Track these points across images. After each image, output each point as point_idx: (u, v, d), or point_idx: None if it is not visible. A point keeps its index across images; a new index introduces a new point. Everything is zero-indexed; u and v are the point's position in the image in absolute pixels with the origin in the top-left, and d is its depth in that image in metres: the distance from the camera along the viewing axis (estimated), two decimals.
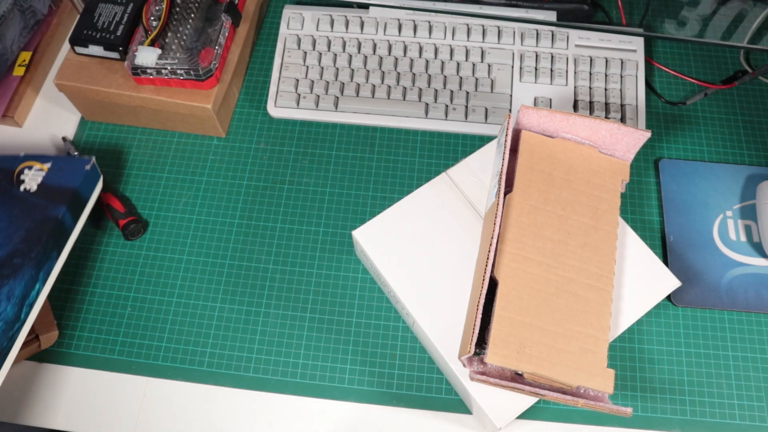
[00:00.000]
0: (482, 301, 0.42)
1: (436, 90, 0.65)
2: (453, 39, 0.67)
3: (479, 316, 0.42)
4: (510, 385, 0.43)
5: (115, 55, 0.62)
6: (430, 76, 0.65)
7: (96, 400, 0.55)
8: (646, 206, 0.61)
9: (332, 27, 0.68)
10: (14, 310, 0.48)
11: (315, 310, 0.57)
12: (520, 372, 0.44)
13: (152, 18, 0.62)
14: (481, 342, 0.45)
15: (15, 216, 0.52)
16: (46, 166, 0.55)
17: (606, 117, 0.63)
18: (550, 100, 0.64)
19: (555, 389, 0.44)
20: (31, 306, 0.50)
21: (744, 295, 0.57)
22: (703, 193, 0.61)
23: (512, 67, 0.66)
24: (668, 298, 0.57)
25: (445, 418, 0.53)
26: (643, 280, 0.51)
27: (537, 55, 0.66)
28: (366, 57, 0.66)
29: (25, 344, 0.54)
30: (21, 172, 0.55)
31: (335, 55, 0.66)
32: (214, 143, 0.66)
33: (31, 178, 0.55)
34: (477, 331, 0.42)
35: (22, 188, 0.54)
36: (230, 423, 0.54)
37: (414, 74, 0.65)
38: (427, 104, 0.64)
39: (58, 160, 0.57)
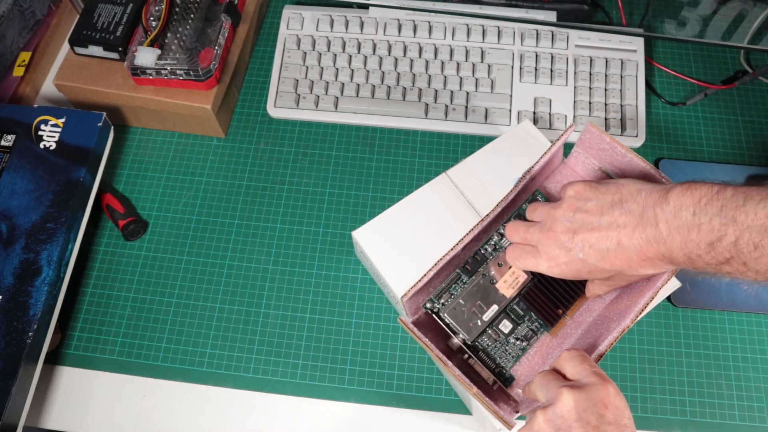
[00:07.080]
0: (447, 258, 0.44)
1: (436, 90, 0.65)
2: (453, 39, 0.67)
3: (438, 267, 0.44)
4: (426, 343, 0.42)
5: (114, 55, 0.62)
6: (430, 76, 0.65)
7: (96, 401, 0.54)
8: None
9: (332, 27, 0.68)
10: (55, 273, 0.52)
11: (315, 311, 0.57)
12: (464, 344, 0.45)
13: (152, 18, 0.62)
14: (439, 299, 0.47)
15: (40, 177, 0.55)
16: (61, 121, 0.57)
17: (605, 117, 0.63)
18: (550, 100, 0.64)
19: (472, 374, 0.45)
20: (67, 265, 0.53)
21: (744, 295, 0.57)
22: None
23: (512, 67, 0.66)
24: (668, 298, 0.57)
25: (444, 419, 0.53)
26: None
27: (537, 56, 0.66)
28: (366, 57, 0.66)
29: None
30: (38, 127, 0.56)
31: (335, 55, 0.66)
32: (213, 143, 0.66)
33: (49, 135, 0.56)
34: (428, 279, 0.43)
35: (42, 145, 0.56)
36: (230, 423, 0.54)
37: (414, 74, 0.65)
38: (426, 104, 0.64)
39: (71, 114, 0.58)
